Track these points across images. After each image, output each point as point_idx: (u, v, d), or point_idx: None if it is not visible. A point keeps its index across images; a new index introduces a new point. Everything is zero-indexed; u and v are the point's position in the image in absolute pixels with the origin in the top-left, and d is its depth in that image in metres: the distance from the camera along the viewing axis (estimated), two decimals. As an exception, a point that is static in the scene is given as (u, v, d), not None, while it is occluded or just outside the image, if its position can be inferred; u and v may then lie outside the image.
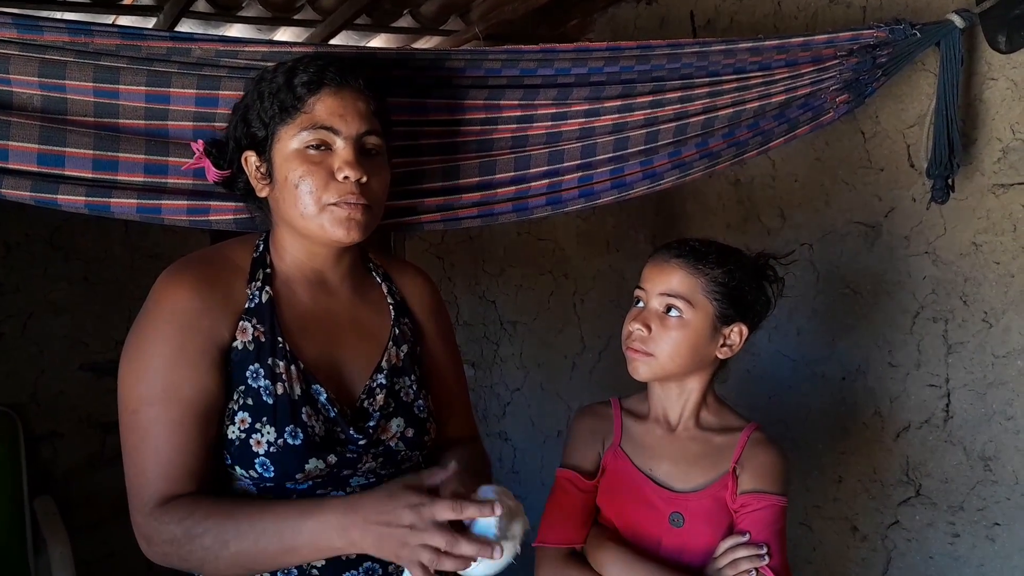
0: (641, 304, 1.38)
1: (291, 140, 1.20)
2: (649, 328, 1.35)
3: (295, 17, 2.57)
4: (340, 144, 1.20)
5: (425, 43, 2.84)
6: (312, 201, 1.19)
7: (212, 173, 1.31)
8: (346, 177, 1.19)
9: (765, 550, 1.27)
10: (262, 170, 1.25)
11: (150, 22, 2.44)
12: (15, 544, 2.76)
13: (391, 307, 1.36)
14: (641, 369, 1.37)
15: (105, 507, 2.94)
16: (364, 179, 1.20)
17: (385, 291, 1.37)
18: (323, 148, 1.20)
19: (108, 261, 3.12)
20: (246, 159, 1.26)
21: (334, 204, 1.19)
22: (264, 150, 1.24)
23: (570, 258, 3.14)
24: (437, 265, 3.82)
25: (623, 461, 1.41)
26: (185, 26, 2.47)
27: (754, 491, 1.31)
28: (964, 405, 1.87)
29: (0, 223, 2.95)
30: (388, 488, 1.09)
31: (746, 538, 1.29)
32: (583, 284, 3.08)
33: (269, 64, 1.29)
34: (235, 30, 2.59)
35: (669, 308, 1.35)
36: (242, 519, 1.11)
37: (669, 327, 1.34)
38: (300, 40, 2.64)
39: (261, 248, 1.28)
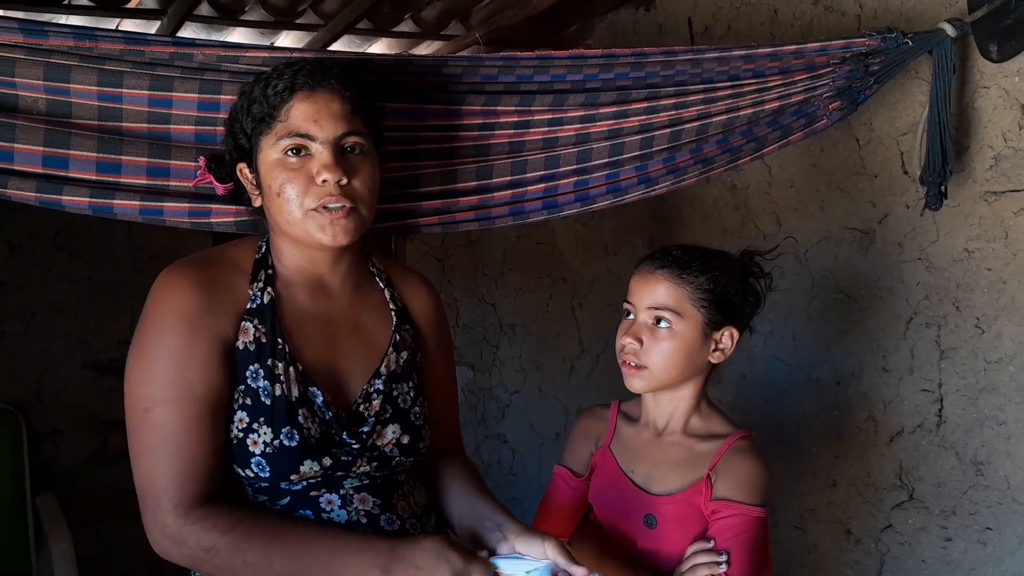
0: (631, 317, 1.39)
1: (271, 150, 1.22)
2: (641, 341, 1.36)
3: (297, 21, 2.59)
4: (317, 148, 1.20)
5: (426, 48, 2.86)
6: (295, 207, 1.20)
7: (218, 188, 1.34)
8: (325, 180, 1.19)
9: (724, 558, 1.28)
10: (253, 181, 1.27)
11: (154, 26, 2.47)
12: (17, 541, 2.78)
13: (393, 313, 1.36)
14: (637, 383, 1.38)
15: (106, 504, 2.98)
16: (344, 180, 1.20)
17: (388, 296, 1.38)
18: (303, 154, 1.21)
19: (111, 261, 3.15)
20: (240, 171, 1.29)
21: (315, 209, 1.20)
22: (251, 161, 1.26)
23: (569, 262, 3.16)
24: (437, 268, 3.84)
25: (610, 462, 1.44)
26: (188, 30, 2.50)
27: (725, 499, 1.32)
28: (956, 410, 1.88)
29: (5, 223, 2.98)
30: (434, 544, 1.12)
31: (710, 545, 1.30)
32: (582, 288, 3.09)
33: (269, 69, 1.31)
34: (237, 34, 2.61)
35: (658, 320, 1.35)
36: (291, 543, 1.13)
37: (660, 339, 1.35)
38: (301, 45, 2.67)
39: (264, 249, 1.29)
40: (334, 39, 2.60)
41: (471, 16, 2.72)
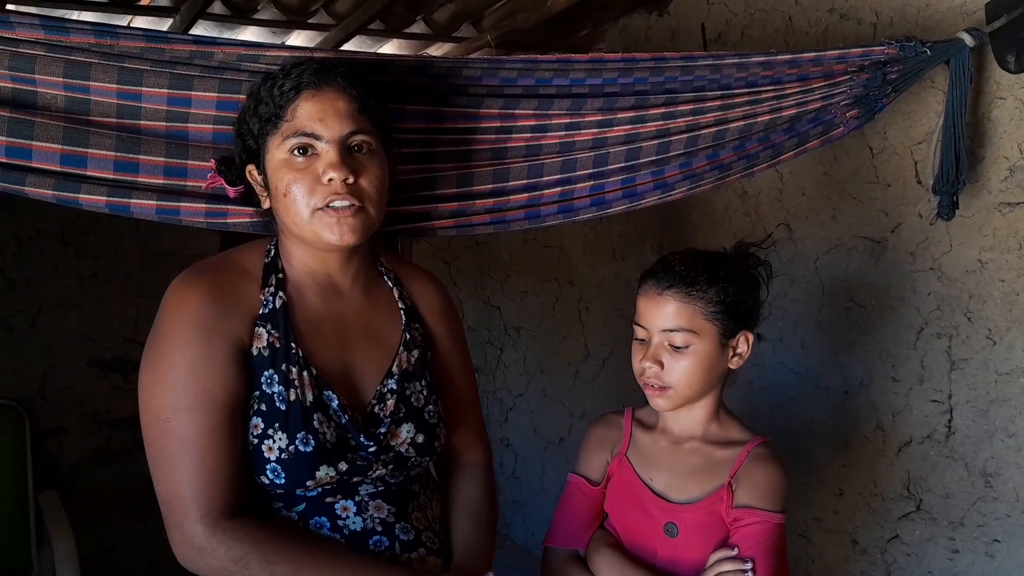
0: (644, 339, 1.38)
1: (277, 150, 1.21)
2: (661, 364, 1.35)
3: (309, 21, 2.59)
4: (323, 147, 1.19)
5: (437, 50, 2.86)
6: (302, 208, 1.19)
7: (229, 190, 1.33)
8: (331, 179, 1.18)
9: (750, 565, 1.27)
10: (261, 182, 1.26)
11: (166, 23, 2.47)
12: (19, 538, 2.76)
13: (402, 312, 1.36)
14: (662, 403, 1.38)
15: (109, 502, 2.96)
16: (350, 179, 1.19)
17: (396, 296, 1.37)
18: (309, 153, 1.20)
19: (118, 258, 3.14)
20: (250, 173, 1.28)
21: (322, 209, 1.19)
22: (260, 162, 1.25)
23: (576, 266, 3.15)
24: (443, 270, 3.84)
25: (627, 470, 1.43)
26: (200, 28, 2.50)
27: (747, 506, 1.32)
28: (966, 421, 1.88)
29: (12, 218, 2.97)
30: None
31: (734, 552, 1.30)
32: (588, 292, 3.09)
33: None
34: (249, 33, 2.61)
35: (675, 341, 1.34)
36: (321, 561, 1.14)
37: (679, 358, 1.34)
38: (313, 44, 2.67)
39: (272, 253, 1.29)
40: (346, 39, 2.59)
41: (483, 18, 2.72)
